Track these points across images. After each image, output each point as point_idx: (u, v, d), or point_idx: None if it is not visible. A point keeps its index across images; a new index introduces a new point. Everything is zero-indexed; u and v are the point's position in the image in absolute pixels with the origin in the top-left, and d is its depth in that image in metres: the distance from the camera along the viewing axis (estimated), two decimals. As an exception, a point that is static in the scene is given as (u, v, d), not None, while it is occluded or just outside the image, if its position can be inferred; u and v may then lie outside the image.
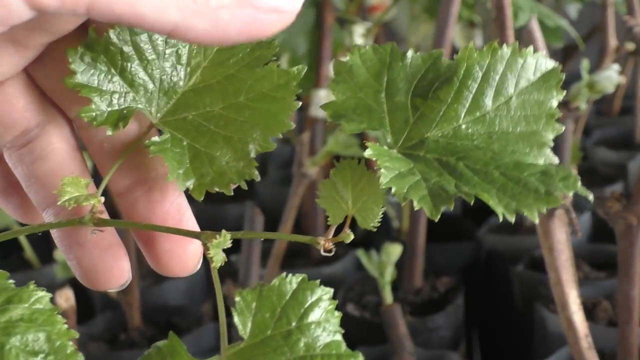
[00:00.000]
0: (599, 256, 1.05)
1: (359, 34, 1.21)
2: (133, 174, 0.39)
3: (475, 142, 0.38)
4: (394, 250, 0.90)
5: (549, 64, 0.39)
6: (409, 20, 1.54)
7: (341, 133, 0.91)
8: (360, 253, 0.91)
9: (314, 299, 0.35)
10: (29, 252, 1.18)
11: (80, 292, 0.86)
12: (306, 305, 0.35)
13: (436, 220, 0.35)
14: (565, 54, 1.27)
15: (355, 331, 0.94)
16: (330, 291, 0.36)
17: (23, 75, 0.38)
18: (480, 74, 0.38)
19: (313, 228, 1.11)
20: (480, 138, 0.38)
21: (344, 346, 0.35)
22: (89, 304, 1.11)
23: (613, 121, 1.55)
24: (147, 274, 1.13)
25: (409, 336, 0.84)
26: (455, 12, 0.90)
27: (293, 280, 0.36)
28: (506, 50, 0.38)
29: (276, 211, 1.05)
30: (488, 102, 0.39)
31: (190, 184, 0.35)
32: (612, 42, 1.01)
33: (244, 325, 0.35)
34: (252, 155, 0.36)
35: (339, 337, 0.35)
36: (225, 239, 0.37)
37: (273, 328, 0.35)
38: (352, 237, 0.40)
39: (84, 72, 0.36)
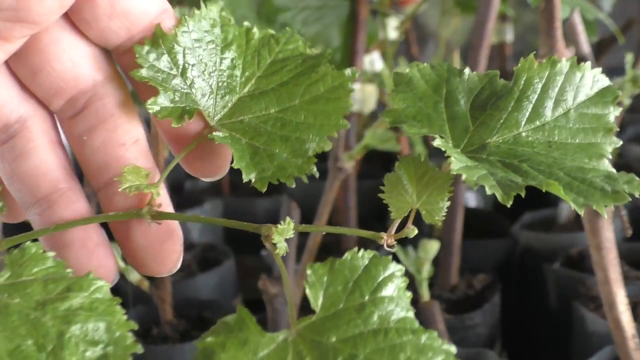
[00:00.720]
0: (636, 255, 1.03)
1: (392, 26, 1.20)
2: (112, 169, 0.38)
3: (536, 150, 0.40)
4: (432, 247, 0.89)
5: (605, 80, 0.42)
6: (440, 14, 1.53)
7: (379, 127, 0.90)
8: (397, 249, 0.90)
9: (387, 274, 0.36)
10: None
11: (112, 286, 0.85)
12: (379, 280, 0.35)
13: (508, 206, 0.36)
14: (599, 48, 1.26)
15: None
16: (402, 268, 0.36)
17: (2, 69, 0.37)
18: (540, 85, 0.41)
19: (345, 223, 1.10)
20: (540, 146, 0.41)
21: (417, 323, 0.35)
22: (122, 299, 1.10)
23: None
24: (179, 269, 1.12)
25: (447, 333, 0.82)
26: (496, 6, 0.88)
27: (365, 255, 0.36)
28: (565, 64, 0.41)
29: (306, 205, 1.04)
30: (547, 112, 0.41)
31: (252, 176, 0.37)
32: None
33: (315, 298, 0.35)
34: (310, 153, 0.38)
35: (411, 314, 0.35)
36: (289, 226, 0.37)
37: (345, 301, 0.35)
38: (416, 232, 0.39)
39: (149, 68, 0.38)
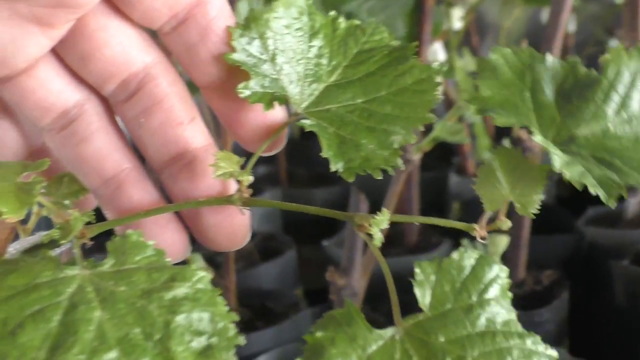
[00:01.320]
0: None
1: (457, 17, 1.18)
2: (172, 148, 0.38)
3: (624, 144, 0.39)
4: (501, 241, 0.88)
5: None
6: (501, 4, 1.50)
7: (449, 120, 0.89)
8: (465, 243, 0.88)
9: (492, 275, 0.35)
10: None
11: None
12: (486, 281, 0.35)
13: (613, 207, 0.37)
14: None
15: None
16: (506, 270, 0.36)
17: (53, 57, 0.37)
18: (628, 77, 0.41)
19: (408, 215, 1.09)
20: (628, 140, 0.40)
21: (520, 326, 0.34)
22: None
23: None
24: (239, 257, 1.12)
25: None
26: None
27: (472, 255, 0.36)
28: (652, 55, 0.40)
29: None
30: (635, 105, 0.40)
31: (340, 166, 0.36)
32: None
33: (423, 297, 0.35)
34: (395, 146, 0.37)
35: (514, 316, 0.35)
36: (385, 216, 0.37)
37: (453, 301, 0.35)
38: (509, 224, 0.39)
39: (241, 52, 0.38)
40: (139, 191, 0.39)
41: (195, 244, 1.24)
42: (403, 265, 1.05)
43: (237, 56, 0.37)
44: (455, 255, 0.36)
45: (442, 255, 1.05)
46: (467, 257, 0.35)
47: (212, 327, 0.32)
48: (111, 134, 0.39)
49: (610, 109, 0.40)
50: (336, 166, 0.36)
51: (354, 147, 0.37)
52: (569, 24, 1.43)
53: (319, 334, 0.32)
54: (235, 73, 0.38)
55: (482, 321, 0.34)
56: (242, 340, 0.33)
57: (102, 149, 0.39)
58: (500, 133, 1.23)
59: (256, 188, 1.37)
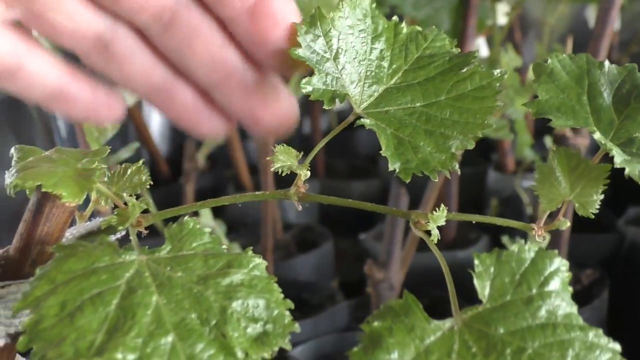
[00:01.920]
0: None
1: (502, 12, 1.17)
2: (221, 68, 0.39)
3: None
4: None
5: None
6: (546, 0, 1.49)
7: (492, 116, 0.88)
8: (505, 240, 0.88)
9: (553, 268, 0.36)
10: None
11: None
12: (546, 274, 0.35)
13: None
14: None
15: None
16: (567, 263, 0.36)
17: None
18: None
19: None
20: None
21: (581, 319, 0.34)
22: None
23: None
24: (276, 248, 1.13)
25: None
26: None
27: (531, 248, 0.36)
28: None
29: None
30: None
31: (397, 166, 0.37)
32: None
33: (482, 288, 0.35)
34: (453, 150, 0.38)
35: (575, 309, 0.35)
36: (442, 213, 0.37)
37: (513, 293, 0.35)
38: (568, 224, 0.39)
39: (305, 48, 0.38)
40: (188, 94, 0.40)
41: (232, 233, 1.25)
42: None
43: (301, 52, 0.38)
44: (514, 247, 0.36)
45: (479, 250, 1.05)
46: (527, 250, 0.36)
47: (268, 314, 0.32)
48: (149, 54, 0.39)
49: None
50: (394, 166, 0.37)
51: (412, 148, 0.38)
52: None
53: (376, 324, 0.33)
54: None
55: (542, 313, 0.34)
56: (297, 327, 0.33)
57: (145, 65, 0.39)
58: (542, 131, 1.22)
59: (293, 179, 1.37)
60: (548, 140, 1.17)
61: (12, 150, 0.41)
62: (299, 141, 1.58)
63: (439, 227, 0.39)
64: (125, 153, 0.88)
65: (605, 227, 1.11)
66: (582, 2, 1.39)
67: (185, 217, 0.35)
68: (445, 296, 1.15)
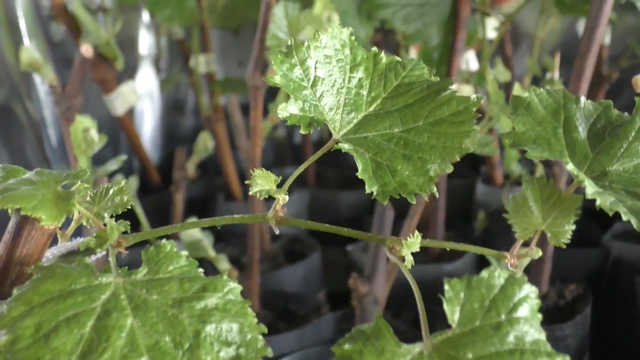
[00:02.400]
0: None
1: (492, 26, 1.18)
2: None
3: None
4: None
5: None
6: (538, 14, 1.50)
7: (478, 132, 0.89)
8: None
9: (522, 294, 0.37)
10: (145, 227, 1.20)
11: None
12: (515, 300, 0.36)
13: None
14: None
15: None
16: (536, 290, 0.37)
17: None
18: None
19: (434, 223, 1.09)
20: None
21: (549, 346, 0.35)
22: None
23: None
24: (265, 259, 1.13)
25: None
26: (608, 12, 0.86)
27: (501, 275, 0.37)
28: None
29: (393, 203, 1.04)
30: None
31: (374, 189, 0.38)
32: None
33: (452, 313, 0.36)
34: (431, 174, 0.39)
35: (543, 336, 0.36)
36: (416, 240, 0.39)
37: (482, 319, 0.36)
38: (540, 253, 0.40)
39: (282, 76, 0.40)
40: None
41: (221, 242, 1.25)
42: (428, 273, 1.06)
43: (277, 79, 0.39)
44: (484, 273, 0.37)
45: (465, 263, 1.05)
46: (497, 276, 0.37)
47: (241, 338, 0.33)
48: None
49: (642, 145, 0.41)
50: (371, 188, 0.38)
51: (390, 172, 0.39)
52: (604, 36, 1.43)
53: (347, 347, 0.33)
54: None
55: (510, 339, 0.35)
56: (269, 352, 0.33)
57: None
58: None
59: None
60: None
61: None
62: (291, 151, 1.58)
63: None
64: (114, 165, 0.88)
65: (590, 242, 1.12)
66: (573, 15, 1.40)
67: (162, 241, 0.35)
68: (431, 309, 1.15)
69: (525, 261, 0.88)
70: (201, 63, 1.28)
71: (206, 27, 1.26)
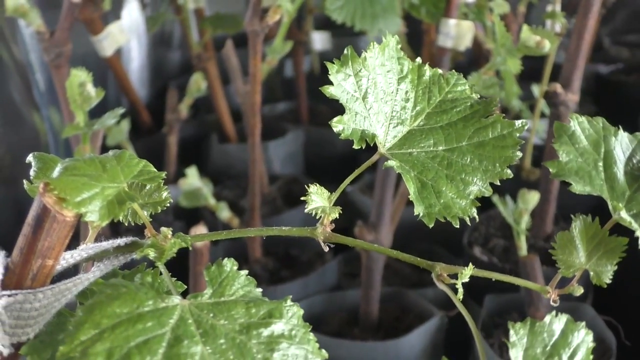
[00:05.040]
0: None
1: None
2: None
3: None
4: (532, 198, 0.88)
5: None
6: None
7: (485, 73, 0.88)
8: (495, 199, 0.89)
9: (580, 340, 0.39)
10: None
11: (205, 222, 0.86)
12: (574, 346, 0.39)
13: None
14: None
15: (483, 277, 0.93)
16: (591, 333, 0.40)
17: None
18: None
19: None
20: None
21: None
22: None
23: None
24: (264, 203, 1.12)
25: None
26: (592, 26, 0.85)
27: (562, 319, 0.40)
28: None
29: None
30: None
31: (420, 210, 0.39)
32: None
33: (516, 357, 0.38)
34: (472, 197, 0.40)
35: None
36: (469, 271, 0.39)
37: None
38: (581, 290, 0.42)
39: (337, 87, 0.40)
40: None
41: (217, 185, 1.24)
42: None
43: (333, 90, 0.39)
44: (547, 319, 0.39)
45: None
46: (557, 321, 0.39)
47: (306, 365, 0.33)
48: None
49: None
50: (418, 210, 0.38)
51: (434, 193, 0.39)
52: None
53: None
54: None
55: None
56: None
57: None
58: (528, 79, 1.22)
59: (279, 128, 1.36)
60: (536, 89, 1.17)
61: (30, 157, 0.40)
62: (282, 85, 1.56)
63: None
64: (111, 119, 0.86)
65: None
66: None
67: (224, 260, 0.34)
68: (432, 249, 1.16)
69: (532, 204, 0.88)
70: (190, -1, 1.24)
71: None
